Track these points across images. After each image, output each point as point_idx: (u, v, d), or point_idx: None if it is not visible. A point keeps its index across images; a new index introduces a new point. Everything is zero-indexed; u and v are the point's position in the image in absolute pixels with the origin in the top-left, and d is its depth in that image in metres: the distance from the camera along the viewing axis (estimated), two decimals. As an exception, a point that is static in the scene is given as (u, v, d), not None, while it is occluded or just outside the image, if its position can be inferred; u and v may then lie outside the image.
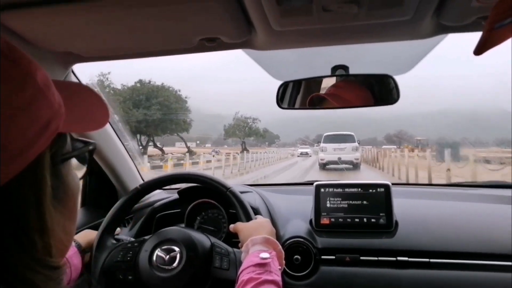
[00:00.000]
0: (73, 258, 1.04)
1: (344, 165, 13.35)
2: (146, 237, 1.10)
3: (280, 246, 1.00)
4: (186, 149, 36.29)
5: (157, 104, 33.14)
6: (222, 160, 17.70)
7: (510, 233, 1.20)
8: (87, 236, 1.17)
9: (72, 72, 1.20)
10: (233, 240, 1.14)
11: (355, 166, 13.63)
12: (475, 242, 1.18)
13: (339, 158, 13.50)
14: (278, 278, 0.88)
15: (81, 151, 0.50)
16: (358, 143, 14.93)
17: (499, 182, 1.75)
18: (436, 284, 1.12)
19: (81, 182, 0.52)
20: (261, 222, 1.09)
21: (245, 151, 31.56)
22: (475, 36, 0.78)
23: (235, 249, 1.07)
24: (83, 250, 1.11)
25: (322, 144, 14.68)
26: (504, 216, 1.31)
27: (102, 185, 1.50)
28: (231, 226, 1.10)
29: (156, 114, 32.85)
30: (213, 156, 25.34)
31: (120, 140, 1.47)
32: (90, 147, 0.51)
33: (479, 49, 0.77)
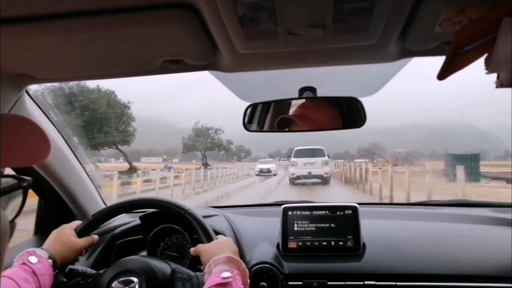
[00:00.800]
0: (45, 278, 0.93)
1: (313, 179, 13.58)
2: (101, 271, 1.04)
3: (244, 265, 0.97)
4: (127, 165, 28.41)
5: (80, 108, 24.42)
6: (181, 177, 16.46)
7: (474, 253, 1.22)
8: (62, 246, 1.05)
9: (27, 92, 1.12)
10: (198, 266, 1.09)
11: (324, 180, 13.84)
12: (441, 264, 1.19)
13: (309, 173, 13.71)
14: None
15: (12, 188, 0.44)
16: (328, 157, 15.29)
17: (464, 200, 1.79)
18: None
19: (15, 223, 0.46)
20: (222, 241, 1.07)
21: (204, 167, 27.50)
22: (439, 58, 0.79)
23: (198, 273, 1.04)
24: (56, 268, 1.00)
25: (292, 159, 14.78)
26: (470, 235, 1.33)
27: (59, 211, 1.40)
28: (192, 249, 1.07)
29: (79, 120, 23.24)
30: (167, 171, 22.21)
31: (79, 161, 1.39)
32: (24, 184, 0.46)
33: (442, 74, 0.78)
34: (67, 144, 1.33)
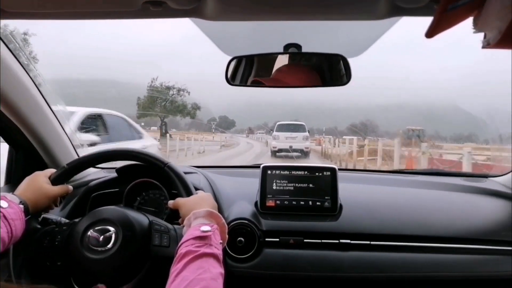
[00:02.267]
0: (16, 223, 0.89)
1: (294, 153, 14.28)
2: (76, 220, 1.01)
3: (223, 220, 0.97)
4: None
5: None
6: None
7: (444, 217, 1.27)
8: (35, 192, 1.01)
9: None
10: (175, 222, 1.08)
11: (305, 154, 14.55)
12: (413, 225, 1.23)
13: (291, 147, 14.36)
14: (218, 251, 0.85)
15: None
16: (308, 133, 15.94)
17: (438, 170, 1.84)
18: (376, 265, 1.15)
19: None
20: (202, 196, 1.06)
21: (162, 136, 21.79)
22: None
23: (176, 226, 1.02)
24: (29, 214, 0.97)
25: (274, 133, 15.37)
26: (442, 201, 1.38)
27: (31, 161, 1.36)
28: (170, 202, 1.05)
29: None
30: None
31: (52, 111, 1.33)
32: None
33: (431, 32, 0.77)
34: (39, 91, 1.26)
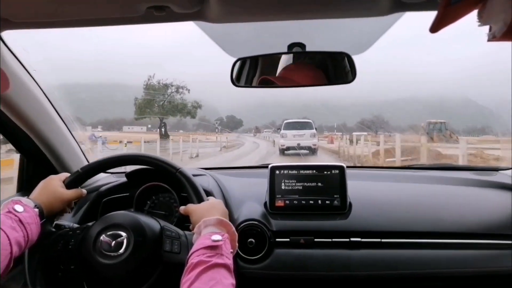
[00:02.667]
0: (32, 227, 0.90)
1: (302, 150, 14.47)
2: (89, 224, 1.02)
3: (234, 228, 0.97)
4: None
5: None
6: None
7: (455, 212, 1.25)
8: (50, 196, 1.02)
9: (2, 40, 1.06)
10: (186, 224, 1.09)
11: (312, 151, 14.67)
12: (423, 222, 1.22)
13: (298, 144, 14.61)
14: (229, 261, 0.85)
15: None
16: (316, 130, 16.15)
17: (448, 164, 1.82)
18: (387, 262, 1.15)
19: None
20: (213, 203, 1.05)
21: (161, 138, 21.68)
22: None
23: (187, 232, 1.03)
24: (43, 218, 0.98)
25: (282, 131, 15.61)
26: (452, 196, 1.36)
27: (42, 168, 1.38)
28: (182, 208, 1.05)
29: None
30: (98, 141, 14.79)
31: (61, 118, 1.35)
32: None
33: (435, 27, 0.76)
34: (48, 99, 1.28)
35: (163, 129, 30.40)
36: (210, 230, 0.91)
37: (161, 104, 33.44)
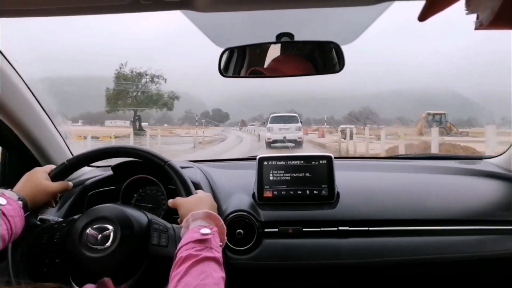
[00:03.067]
0: (15, 220, 0.88)
1: (288, 143, 14.86)
2: (75, 217, 1.00)
3: (222, 222, 0.96)
4: None
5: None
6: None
7: (441, 200, 1.28)
8: (34, 189, 0.99)
9: None
10: (173, 217, 1.08)
11: (298, 144, 15.10)
12: (410, 210, 1.24)
13: (285, 137, 14.75)
14: (218, 254, 0.85)
15: None
16: (301, 123, 16.73)
17: (433, 154, 1.85)
18: (375, 250, 1.16)
19: None
20: (202, 196, 1.04)
21: (135, 133, 19.74)
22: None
23: (174, 225, 1.02)
24: (28, 210, 0.95)
25: (269, 125, 15.89)
26: (438, 184, 1.39)
27: (25, 161, 1.34)
28: (170, 201, 1.04)
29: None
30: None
31: (44, 111, 1.32)
32: None
33: (424, 15, 0.76)
34: (30, 91, 1.25)
35: (137, 123, 27.31)
36: (198, 223, 0.91)
37: (134, 96, 29.27)
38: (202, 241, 0.84)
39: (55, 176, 1.06)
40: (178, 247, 0.86)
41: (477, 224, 1.19)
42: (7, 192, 0.92)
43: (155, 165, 1.11)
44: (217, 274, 0.79)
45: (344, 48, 1.17)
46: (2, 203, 0.87)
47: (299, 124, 15.99)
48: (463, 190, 1.37)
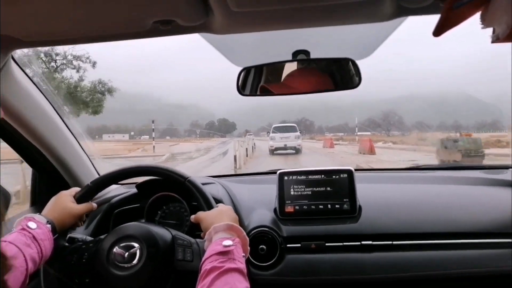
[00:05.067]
0: (45, 243, 0.92)
1: (288, 150, 17.15)
2: (102, 237, 1.04)
3: (244, 233, 0.98)
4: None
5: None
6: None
7: (466, 212, 1.25)
8: (61, 211, 1.04)
9: (12, 58, 1.08)
10: (197, 233, 1.10)
11: (297, 150, 17.27)
12: (434, 223, 1.22)
13: (285, 145, 17.29)
14: (242, 265, 0.86)
15: None
16: (300, 133, 19.17)
17: (457, 164, 1.82)
18: (399, 265, 1.15)
19: None
20: (223, 209, 1.07)
21: None
22: (435, 20, 0.78)
23: (198, 240, 1.04)
24: (56, 233, 1.00)
25: (271, 134, 18.45)
26: (463, 196, 1.36)
27: (54, 182, 1.39)
28: (192, 216, 1.08)
29: None
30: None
31: (71, 132, 1.37)
32: None
33: (438, 30, 0.77)
34: (58, 114, 1.30)
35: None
36: (220, 235, 0.93)
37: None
38: (225, 253, 0.86)
39: (80, 198, 1.11)
40: (202, 260, 0.88)
41: (505, 237, 1.16)
42: (36, 216, 0.97)
43: (176, 182, 1.15)
44: (241, 285, 0.81)
45: (361, 61, 1.19)
46: (32, 227, 0.91)
47: (298, 133, 18.46)
48: (489, 201, 1.33)
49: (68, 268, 1.00)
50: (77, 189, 1.15)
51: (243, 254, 0.92)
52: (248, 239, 0.99)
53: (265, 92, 1.23)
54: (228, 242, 0.89)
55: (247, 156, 15.16)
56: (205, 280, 0.80)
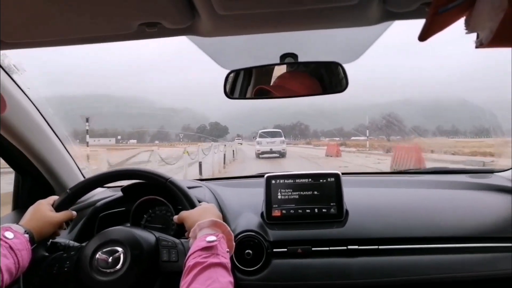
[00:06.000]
0: (23, 253, 0.89)
1: (274, 154, 18.20)
2: (83, 244, 1.02)
3: (229, 228, 0.97)
4: None
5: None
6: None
7: (452, 216, 1.26)
8: (39, 221, 1.01)
9: None
10: (183, 236, 1.09)
11: (282, 154, 18.39)
12: (420, 227, 1.22)
13: (271, 149, 18.46)
14: (225, 260, 0.86)
15: None
16: (284, 138, 20.32)
17: (443, 168, 1.83)
18: (385, 269, 1.15)
19: None
20: (206, 206, 1.07)
21: None
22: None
23: (183, 240, 1.03)
24: (34, 242, 0.97)
25: (258, 139, 19.65)
26: (449, 200, 1.37)
27: (37, 185, 1.37)
28: (175, 217, 1.07)
29: None
30: None
31: (56, 134, 1.35)
32: None
33: (424, 35, 0.77)
34: (43, 117, 1.28)
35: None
36: (205, 232, 0.92)
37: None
38: (208, 248, 0.86)
39: (58, 206, 1.08)
40: (186, 257, 0.87)
41: (490, 242, 1.17)
42: (13, 225, 0.94)
43: (158, 183, 1.13)
44: (224, 279, 0.81)
45: (349, 66, 1.19)
46: (9, 236, 0.89)
47: (283, 138, 19.70)
48: (474, 205, 1.34)
49: (49, 279, 0.97)
50: (55, 197, 1.12)
51: (227, 250, 0.92)
52: (232, 234, 0.99)
53: (259, 94, 1.22)
54: (211, 238, 0.89)
55: (224, 163, 14.50)
56: (188, 276, 0.80)
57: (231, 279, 0.82)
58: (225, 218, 1.22)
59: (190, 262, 0.84)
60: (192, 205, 1.07)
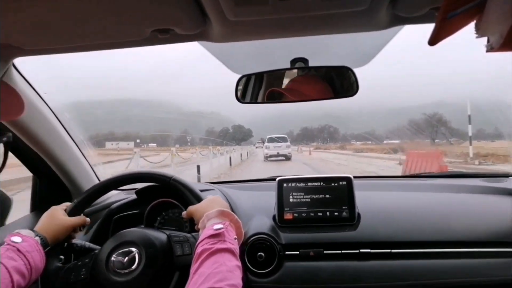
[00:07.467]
0: (33, 255, 0.92)
1: (280, 157, 20.35)
2: (96, 251, 1.04)
3: (236, 217, 1.00)
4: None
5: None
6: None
7: (466, 220, 1.24)
8: (53, 225, 1.05)
9: (14, 66, 1.11)
10: (195, 231, 1.11)
11: (287, 157, 20.42)
12: (433, 231, 1.21)
13: (278, 153, 20.76)
14: (232, 246, 0.89)
15: None
16: (290, 143, 22.72)
17: (456, 172, 1.80)
18: (397, 273, 1.14)
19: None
20: (212, 198, 1.10)
21: None
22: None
23: (194, 233, 1.06)
24: (48, 245, 1.00)
25: (266, 144, 22.15)
26: (462, 204, 1.35)
27: (54, 188, 1.41)
28: (184, 212, 1.10)
29: None
30: None
31: (72, 138, 1.39)
32: (4, 139, 0.47)
33: (433, 40, 0.78)
34: (59, 120, 1.32)
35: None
36: (213, 221, 0.96)
37: None
38: (216, 236, 0.89)
39: (70, 212, 1.12)
40: (195, 245, 0.90)
41: (504, 246, 1.15)
42: (23, 231, 0.98)
43: (162, 183, 1.16)
44: (231, 263, 0.83)
45: (360, 70, 1.19)
46: (16, 241, 0.92)
47: (289, 143, 22.06)
48: (489, 209, 1.32)
49: (67, 286, 0.99)
50: (68, 203, 1.16)
51: (235, 237, 0.95)
52: (240, 222, 1.02)
53: (271, 98, 1.23)
54: (218, 226, 0.92)
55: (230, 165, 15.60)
56: (197, 263, 0.83)
57: (238, 263, 0.85)
58: None
59: (198, 249, 0.87)
60: (198, 199, 1.10)
